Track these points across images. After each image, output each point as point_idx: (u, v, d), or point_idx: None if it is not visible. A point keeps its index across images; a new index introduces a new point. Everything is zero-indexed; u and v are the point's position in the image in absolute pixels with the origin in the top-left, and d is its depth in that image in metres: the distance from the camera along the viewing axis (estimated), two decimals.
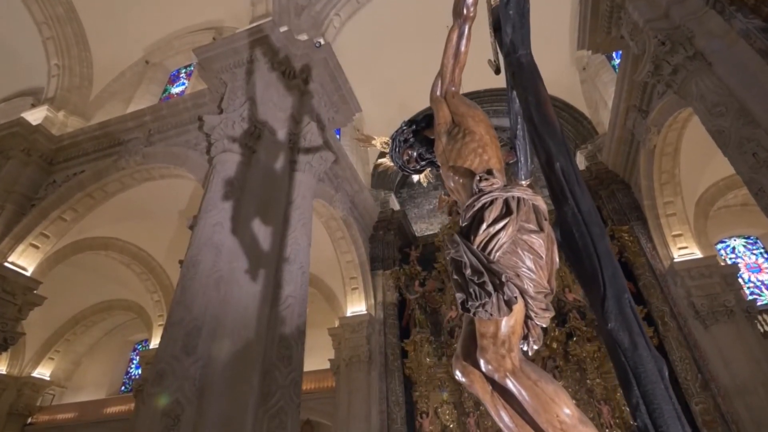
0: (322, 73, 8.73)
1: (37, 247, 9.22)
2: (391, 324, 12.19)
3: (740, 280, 10.61)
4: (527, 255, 1.71)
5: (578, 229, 1.54)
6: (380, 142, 2.83)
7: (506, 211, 1.73)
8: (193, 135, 8.83)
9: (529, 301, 1.70)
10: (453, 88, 2.35)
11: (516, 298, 1.62)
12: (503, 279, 1.59)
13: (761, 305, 11.17)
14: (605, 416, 9.63)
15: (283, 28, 8.55)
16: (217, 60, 8.40)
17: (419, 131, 2.67)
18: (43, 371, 16.14)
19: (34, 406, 15.82)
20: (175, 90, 13.22)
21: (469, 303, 1.60)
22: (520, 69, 2.01)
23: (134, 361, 17.69)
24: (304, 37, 8.85)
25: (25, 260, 9.05)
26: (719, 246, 12.80)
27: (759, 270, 12.31)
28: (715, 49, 5.74)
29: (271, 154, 7.25)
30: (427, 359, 11.42)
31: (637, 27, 6.84)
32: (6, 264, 8.68)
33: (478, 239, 1.70)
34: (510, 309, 1.60)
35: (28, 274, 9.01)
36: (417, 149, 2.64)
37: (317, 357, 12.65)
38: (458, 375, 1.89)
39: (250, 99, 7.53)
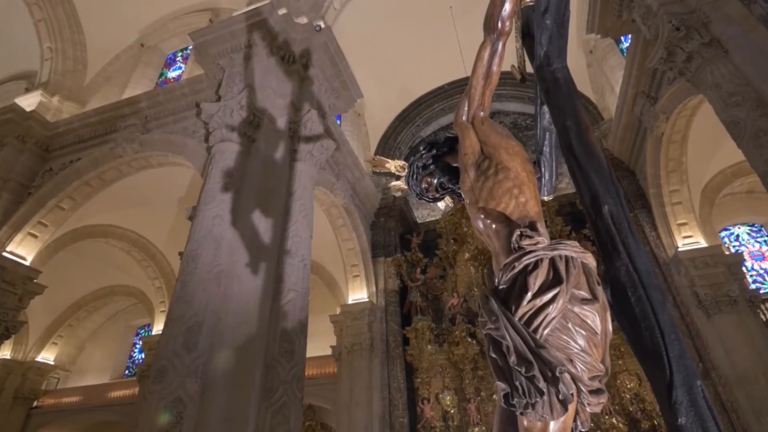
0: (323, 57, 8.46)
1: (35, 236, 9.12)
2: (393, 311, 12.21)
3: (743, 268, 10.52)
4: (579, 332, 1.42)
5: (634, 292, 1.30)
6: (395, 165, 2.53)
7: (554, 276, 1.47)
8: (191, 122, 8.62)
9: (582, 387, 1.42)
10: (482, 113, 2.01)
11: (572, 395, 1.33)
12: (557, 372, 1.31)
13: (764, 293, 11.14)
14: (605, 403, 9.71)
15: (282, 11, 8.24)
16: (213, 44, 8.13)
17: (440, 156, 2.34)
18: (47, 356, 16.28)
19: (40, 390, 16.00)
20: (172, 74, 12.90)
21: (515, 399, 1.33)
22: (556, 86, 1.74)
23: (137, 346, 17.83)
24: (303, 20, 8.54)
25: (23, 249, 8.97)
26: (723, 234, 12.69)
27: (763, 258, 12.24)
28: (732, 35, 5.49)
29: (270, 143, 7.08)
30: (429, 346, 11.49)
31: (650, 11, 6.56)
32: (4, 254, 8.60)
33: (520, 311, 1.43)
34: (566, 409, 1.33)
35: (27, 263, 8.94)
36: (437, 177, 2.31)
37: (319, 343, 12.70)
38: None
39: (248, 86, 7.30)
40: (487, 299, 1.53)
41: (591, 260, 1.57)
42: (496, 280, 1.60)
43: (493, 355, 1.43)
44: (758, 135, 4.98)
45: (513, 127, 15.37)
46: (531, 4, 1.94)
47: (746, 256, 11.97)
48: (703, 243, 9.67)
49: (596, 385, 1.44)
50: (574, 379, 1.40)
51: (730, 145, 6.88)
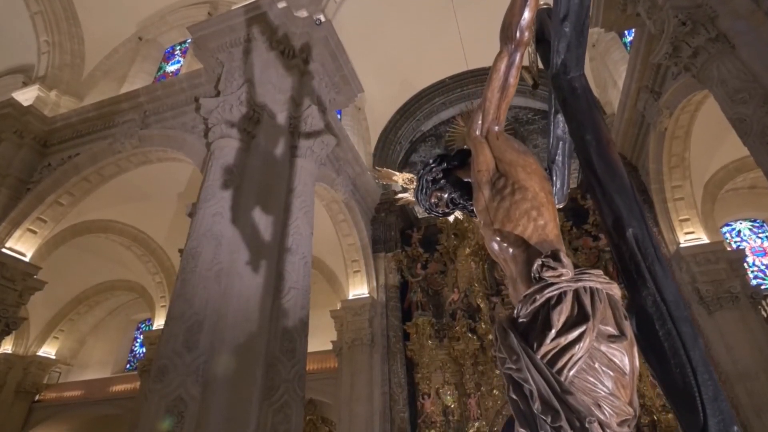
0: (323, 52, 8.35)
1: (34, 232, 9.09)
2: (393, 306, 12.22)
3: (745, 264, 10.49)
4: (606, 372, 1.30)
5: (663, 325, 1.20)
6: (402, 178, 2.43)
7: (579, 311, 1.34)
8: (190, 117, 8.54)
9: None
10: (496, 128, 1.88)
11: None
12: (586, 422, 1.20)
13: (766, 289, 11.12)
14: None
15: (282, 4, 8.12)
16: (212, 38, 8.03)
17: (451, 170, 2.22)
18: (48, 350, 16.30)
19: (41, 384, 16.03)
20: (170, 68, 12.77)
21: None
22: (574, 96, 1.63)
23: (138, 340, 17.86)
24: (303, 13, 8.43)
25: (23, 245, 8.93)
26: (724, 229, 12.65)
27: (764, 254, 12.21)
28: (739, 30, 5.40)
29: (270, 139, 7.00)
30: (429, 342, 11.51)
31: (655, 5, 6.45)
32: (4, 250, 8.57)
33: (543, 349, 1.32)
34: None
35: (26, 259, 8.91)
36: (448, 192, 2.19)
37: (319, 338, 12.70)
38: None
39: (248, 81, 7.22)
40: (506, 333, 1.42)
41: (616, 291, 1.46)
42: (515, 312, 1.49)
43: (514, 397, 1.34)
44: (765, 132, 4.91)
45: (514, 121, 15.27)
46: (544, 6, 1.84)
47: (747, 251, 11.94)
48: (704, 239, 9.63)
49: (624, 430, 1.33)
50: (602, 425, 1.28)
51: (732, 140, 6.80)
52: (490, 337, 11.10)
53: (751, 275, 11.52)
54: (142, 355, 16.07)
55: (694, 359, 1.17)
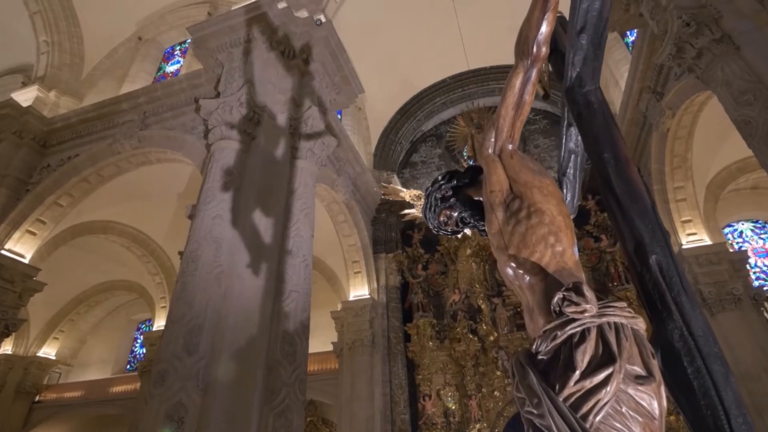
0: (323, 52, 8.30)
1: (33, 234, 9.05)
2: (394, 307, 12.20)
3: (747, 265, 10.44)
4: (635, 417, 1.20)
5: (691, 362, 1.13)
6: (410, 195, 2.39)
7: (604, 350, 1.24)
8: (190, 117, 8.50)
9: None
10: (510, 146, 1.77)
11: None
12: None
13: None
14: None
15: (282, 4, 8.07)
16: (212, 38, 7.98)
17: (461, 188, 2.12)
18: (48, 350, 16.29)
19: (42, 385, 16.02)
20: (170, 68, 12.72)
21: None
22: (590, 111, 1.55)
23: (138, 341, 17.84)
24: (303, 13, 8.37)
25: (22, 247, 8.90)
26: (726, 230, 12.60)
27: (766, 254, 12.16)
28: (744, 30, 5.35)
29: (271, 140, 6.96)
30: (430, 342, 11.49)
31: (659, 5, 6.40)
32: (3, 252, 8.53)
33: (566, 392, 1.21)
34: None
35: (26, 261, 8.88)
36: (458, 211, 2.08)
37: (320, 338, 12.67)
38: None
39: (248, 81, 7.17)
40: (524, 371, 1.32)
41: (642, 325, 1.35)
42: (534, 347, 1.40)
43: None
44: None
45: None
46: (558, 16, 1.78)
47: (750, 252, 11.89)
48: (707, 240, 9.58)
49: None
50: None
51: (735, 140, 6.74)
52: (491, 338, 11.08)
53: (753, 276, 11.48)
54: (142, 355, 16.06)
55: (726, 400, 1.10)
